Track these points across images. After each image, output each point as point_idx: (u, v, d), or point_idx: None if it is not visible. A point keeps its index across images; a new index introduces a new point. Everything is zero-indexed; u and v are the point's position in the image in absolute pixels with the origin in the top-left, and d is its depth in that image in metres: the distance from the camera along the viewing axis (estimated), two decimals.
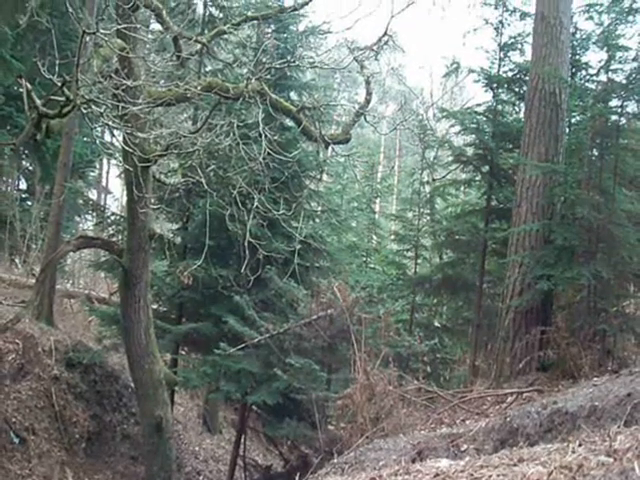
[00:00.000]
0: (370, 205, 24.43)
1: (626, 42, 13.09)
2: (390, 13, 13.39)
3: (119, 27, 10.89)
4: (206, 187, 12.20)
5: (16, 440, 13.41)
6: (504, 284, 13.37)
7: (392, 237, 20.63)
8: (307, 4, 14.01)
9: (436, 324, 16.88)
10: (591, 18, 13.91)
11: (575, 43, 14.34)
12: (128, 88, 10.80)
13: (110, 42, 10.95)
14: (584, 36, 14.55)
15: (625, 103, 12.75)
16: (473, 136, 15.03)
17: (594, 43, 13.71)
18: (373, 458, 6.30)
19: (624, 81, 12.67)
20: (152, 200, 13.27)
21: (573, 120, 14.31)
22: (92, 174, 29.39)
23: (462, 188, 16.45)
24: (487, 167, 14.58)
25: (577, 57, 14.59)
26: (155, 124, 13.22)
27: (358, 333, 12.26)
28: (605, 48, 12.92)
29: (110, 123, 11.44)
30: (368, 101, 14.71)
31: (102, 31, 10.11)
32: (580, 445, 2.29)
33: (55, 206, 16.82)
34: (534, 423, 7.05)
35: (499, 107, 15.02)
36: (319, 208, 16.97)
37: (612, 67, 12.87)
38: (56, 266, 17.15)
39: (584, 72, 14.69)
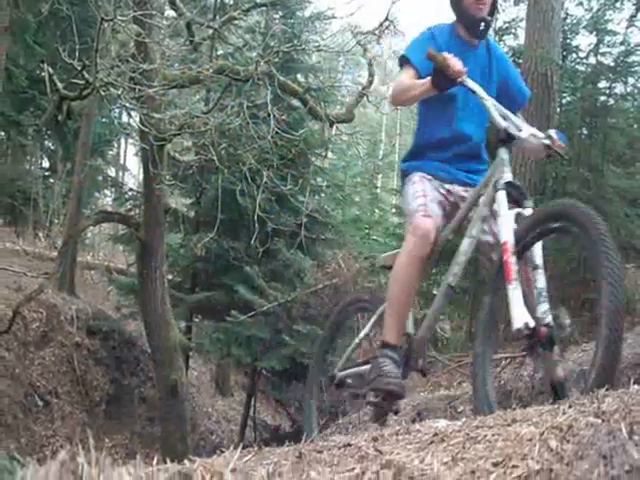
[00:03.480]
0: (372, 180, 24.42)
1: (614, 27, 13.03)
2: None
3: (135, 14, 10.86)
4: (218, 164, 12.20)
5: (40, 403, 13.46)
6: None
7: (393, 210, 20.55)
8: None
9: (435, 293, 16.86)
10: (581, 4, 13.82)
11: (566, 28, 14.22)
12: (144, 71, 10.78)
13: (127, 28, 10.94)
14: (574, 21, 14.43)
15: (613, 85, 12.69)
16: None
17: (584, 28, 13.61)
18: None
19: (612, 64, 12.61)
20: (167, 177, 13.24)
21: (564, 101, 14.23)
22: (110, 153, 29.32)
23: None
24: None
25: (568, 41, 14.48)
26: (170, 105, 13.22)
27: None
28: (594, 32, 12.86)
29: (127, 104, 11.48)
30: (371, 82, 14.68)
31: (119, 18, 10.11)
32: (570, 407, 2.29)
33: (76, 183, 16.80)
34: (526, 386, 7.06)
35: None
36: (324, 183, 16.96)
37: (601, 50, 12.81)
38: (77, 239, 17.16)
39: (574, 55, 14.58)
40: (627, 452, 1.65)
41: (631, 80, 13.10)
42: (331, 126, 14.89)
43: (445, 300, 4.39)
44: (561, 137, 4.20)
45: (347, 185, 19.20)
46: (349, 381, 5.01)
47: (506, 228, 3.75)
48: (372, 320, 4.82)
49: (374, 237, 19.41)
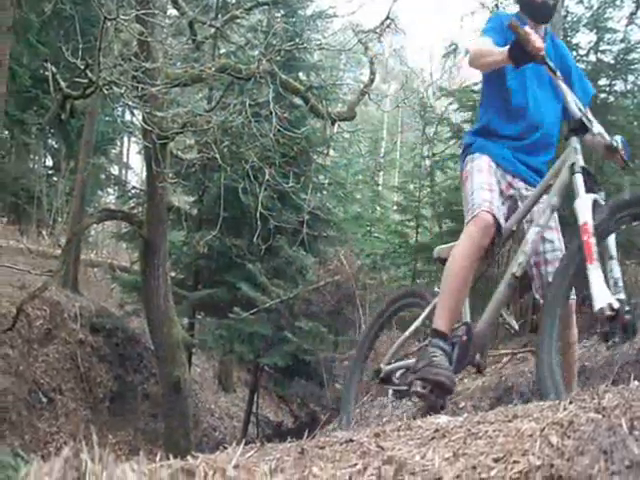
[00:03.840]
0: (374, 178, 24.39)
1: (614, 24, 13.01)
2: None
3: (138, 13, 10.86)
4: (220, 162, 12.21)
5: (44, 400, 13.48)
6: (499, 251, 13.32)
7: (394, 208, 20.54)
8: None
9: (436, 289, 16.87)
10: (581, 2, 13.80)
11: (566, 25, 14.21)
12: (147, 70, 10.79)
13: (130, 27, 10.94)
14: (575, 19, 14.41)
15: (613, 82, 12.69)
16: (470, 113, 14.93)
17: (584, 25, 13.60)
18: (377, 414, 6.33)
19: (612, 61, 12.61)
20: (170, 175, 13.25)
21: None
22: (114, 151, 29.35)
23: None
24: None
25: (568, 38, 14.46)
26: (172, 103, 13.23)
27: (363, 298, 12.28)
28: (594, 30, 12.85)
29: (130, 103, 11.47)
30: (372, 80, 14.67)
31: (122, 17, 10.11)
32: (571, 403, 2.29)
33: (79, 181, 16.82)
34: (527, 382, 7.07)
35: None
36: (326, 181, 16.97)
37: (601, 48, 12.80)
38: (80, 237, 17.17)
39: (575, 53, 14.55)
40: (627, 447, 1.65)
41: (631, 78, 13.09)
42: (333, 124, 14.89)
43: (509, 290, 4.23)
44: (626, 148, 4.18)
45: (349, 183, 19.24)
46: (395, 376, 4.88)
47: (585, 209, 3.70)
48: (423, 315, 4.74)
49: (375, 234, 19.43)
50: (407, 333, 5.00)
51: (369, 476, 1.79)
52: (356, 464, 1.91)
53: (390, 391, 5.02)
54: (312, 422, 12.27)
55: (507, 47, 4.04)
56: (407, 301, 5.15)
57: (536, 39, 3.93)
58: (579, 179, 3.87)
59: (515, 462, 1.74)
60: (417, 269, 16.05)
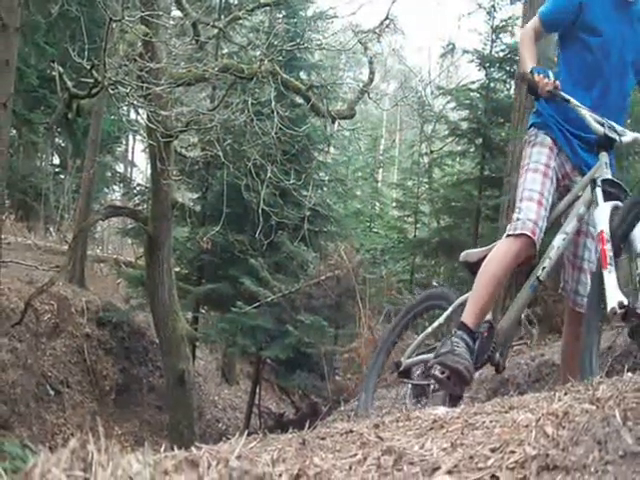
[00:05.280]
0: (373, 175, 24.38)
1: None
2: None
3: (143, 14, 10.88)
4: (223, 160, 12.23)
5: (52, 392, 13.50)
6: None
7: (393, 204, 20.56)
8: None
9: (434, 284, 16.86)
10: None
11: None
12: (151, 70, 10.80)
13: (134, 28, 10.96)
14: None
15: None
16: (467, 111, 14.90)
17: None
18: (377, 406, 6.33)
19: None
20: (174, 172, 13.28)
21: None
22: (119, 149, 29.35)
23: (457, 159, 16.33)
24: (480, 140, 14.46)
25: None
26: (176, 103, 13.22)
27: (363, 292, 12.27)
28: None
29: (135, 102, 11.49)
30: (371, 80, 14.69)
31: (127, 18, 10.12)
32: (566, 394, 2.29)
33: (86, 179, 16.83)
34: (523, 374, 7.07)
35: (491, 85, 14.88)
36: (327, 178, 16.98)
37: None
38: (87, 233, 17.19)
39: None
40: (621, 437, 1.65)
41: None
42: (333, 122, 14.93)
43: (532, 293, 4.26)
44: None
45: (349, 179, 19.20)
46: (415, 370, 4.85)
47: (602, 218, 3.80)
48: (446, 313, 4.71)
49: (375, 230, 19.43)
50: (430, 329, 5.02)
51: (369, 466, 1.79)
52: (356, 454, 1.91)
53: (409, 388, 4.97)
54: (313, 413, 12.27)
55: (530, 67, 4.26)
56: (435, 302, 5.10)
57: (543, 84, 4.11)
58: (599, 192, 3.94)
59: (511, 452, 1.74)
60: (415, 264, 16.05)
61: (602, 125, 4.07)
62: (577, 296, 4.33)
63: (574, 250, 4.33)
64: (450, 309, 4.63)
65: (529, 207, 4.16)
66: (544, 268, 4.13)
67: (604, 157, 4.06)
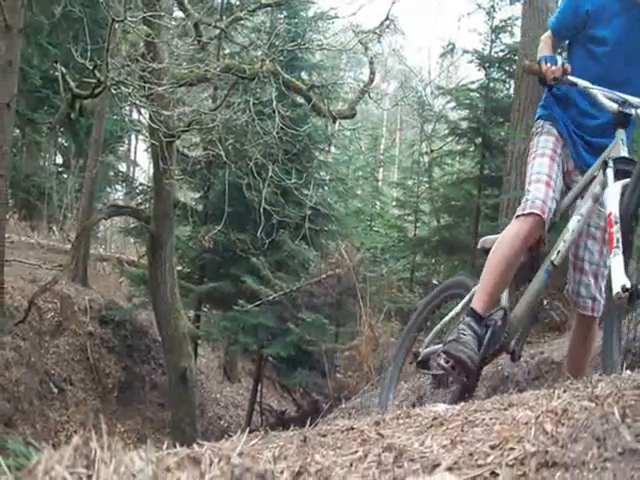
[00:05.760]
0: (374, 174, 24.38)
1: None
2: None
3: (145, 15, 10.88)
4: (225, 159, 12.24)
5: (55, 390, 13.50)
6: None
7: (394, 203, 20.56)
8: None
9: (434, 282, 16.84)
10: None
11: None
12: (153, 70, 10.82)
13: (137, 29, 10.97)
14: None
15: None
16: (467, 111, 14.89)
17: None
18: (377, 403, 6.33)
19: None
20: (176, 171, 13.30)
21: None
22: (121, 149, 29.33)
23: (457, 158, 16.32)
24: (480, 139, 14.46)
25: None
26: (178, 103, 13.24)
27: (363, 290, 12.26)
28: None
29: (137, 102, 11.49)
30: (372, 80, 14.70)
31: (130, 19, 10.13)
32: (565, 391, 2.29)
33: (88, 178, 16.82)
34: (523, 371, 7.06)
35: (491, 84, 14.88)
36: (327, 177, 16.97)
37: None
38: (90, 232, 17.19)
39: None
40: (620, 435, 1.65)
41: None
42: (334, 122, 14.94)
43: (547, 278, 4.15)
44: None
45: (349, 178, 19.23)
46: (432, 360, 4.71)
47: (612, 199, 3.69)
48: (463, 301, 4.60)
49: (375, 228, 19.43)
50: (447, 318, 4.87)
51: (369, 463, 1.79)
52: (357, 451, 1.91)
53: (429, 379, 4.92)
54: (314, 411, 12.27)
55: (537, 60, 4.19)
56: (454, 292, 4.96)
57: (550, 72, 4.06)
58: (610, 173, 3.83)
59: (511, 449, 1.74)
60: (416, 262, 16.05)
61: (616, 102, 3.98)
62: (579, 298, 4.26)
63: (575, 251, 4.26)
64: (467, 297, 4.52)
65: (537, 188, 4.09)
66: (559, 252, 4.05)
67: (620, 134, 3.95)
